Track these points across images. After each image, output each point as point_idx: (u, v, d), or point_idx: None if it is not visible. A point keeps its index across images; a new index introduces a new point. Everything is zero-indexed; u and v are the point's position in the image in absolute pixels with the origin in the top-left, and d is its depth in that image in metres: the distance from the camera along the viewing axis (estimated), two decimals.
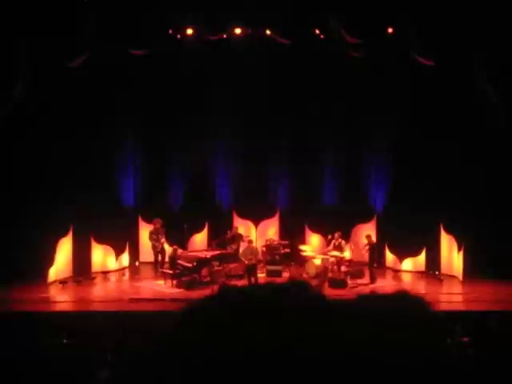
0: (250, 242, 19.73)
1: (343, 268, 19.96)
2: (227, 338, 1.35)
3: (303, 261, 20.47)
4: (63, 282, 19.20)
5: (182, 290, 18.49)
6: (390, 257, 21.11)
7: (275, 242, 21.16)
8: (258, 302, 1.42)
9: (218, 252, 20.09)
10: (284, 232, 22.22)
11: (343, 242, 19.92)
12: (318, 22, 18.98)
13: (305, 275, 19.85)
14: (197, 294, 17.81)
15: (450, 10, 17.41)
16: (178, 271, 19.02)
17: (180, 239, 20.76)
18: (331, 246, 19.91)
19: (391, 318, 1.40)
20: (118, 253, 21.01)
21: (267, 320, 1.35)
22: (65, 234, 19.75)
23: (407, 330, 1.39)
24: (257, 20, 19.07)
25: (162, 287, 18.97)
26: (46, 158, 19.27)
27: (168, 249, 20.55)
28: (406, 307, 1.47)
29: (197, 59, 20.85)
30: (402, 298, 1.53)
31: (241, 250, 20.10)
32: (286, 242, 21.24)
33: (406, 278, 20.40)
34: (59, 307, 17.75)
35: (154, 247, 20.68)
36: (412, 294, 1.56)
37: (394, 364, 1.33)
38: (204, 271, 19.33)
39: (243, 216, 22.27)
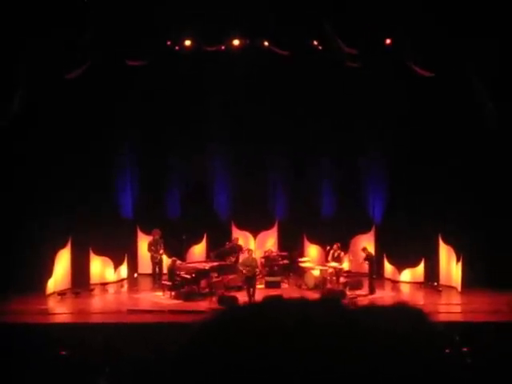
0: (250, 252, 19.69)
1: (342, 279, 19.96)
2: (249, 352, 1.36)
3: (302, 272, 20.46)
4: (62, 293, 19.16)
5: (180, 301, 18.48)
6: (388, 268, 21.08)
7: (274, 253, 21.16)
8: (285, 317, 1.43)
9: (217, 263, 20.08)
10: (283, 243, 22.21)
11: (342, 254, 19.92)
12: (315, 33, 19.03)
13: (303, 286, 19.86)
14: (195, 305, 17.84)
15: (447, 20, 17.47)
16: (176, 282, 19.02)
17: (179, 250, 20.76)
18: (330, 257, 19.91)
19: (390, 330, 1.41)
20: (117, 264, 20.98)
21: (293, 337, 1.37)
22: (63, 246, 19.73)
23: (406, 341, 1.40)
24: (255, 31, 19.13)
25: (161, 298, 18.96)
26: (45, 170, 19.26)
27: (167, 260, 20.55)
28: (404, 318, 1.48)
29: (195, 70, 20.89)
30: (401, 309, 1.54)
31: (240, 260, 20.09)
32: (285, 253, 21.24)
33: (405, 289, 20.38)
34: (58, 319, 17.72)
35: (152, 258, 20.68)
36: (411, 305, 1.57)
37: (393, 375, 1.34)
38: (203, 282, 19.32)
39: (242, 227, 22.27)
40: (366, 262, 19.61)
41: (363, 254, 19.79)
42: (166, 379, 1.42)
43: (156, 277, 20.54)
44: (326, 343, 1.35)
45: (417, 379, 1.33)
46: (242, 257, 20.16)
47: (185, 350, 1.43)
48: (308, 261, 21.14)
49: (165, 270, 20.17)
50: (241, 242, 21.29)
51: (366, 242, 20.74)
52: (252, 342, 1.35)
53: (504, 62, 17.60)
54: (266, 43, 19.76)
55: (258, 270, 19.53)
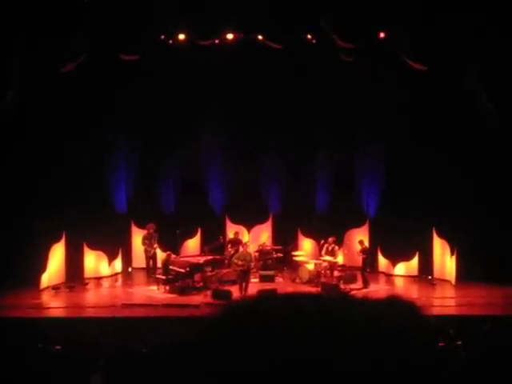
0: (245, 246, 19.68)
1: (336, 273, 19.98)
2: (266, 347, 1.36)
3: (296, 266, 20.47)
4: (56, 287, 19.13)
5: (175, 295, 18.48)
6: (382, 261, 21.11)
7: (268, 247, 21.17)
8: (302, 312, 1.43)
9: (211, 257, 20.09)
10: (277, 237, 22.21)
11: (336, 247, 19.92)
12: (310, 27, 19.01)
13: (297, 280, 19.88)
14: (190, 299, 17.86)
15: (442, 15, 17.47)
16: (170, 277, 19.02)
17: (173, 244, 20.75)
18: (324, 251, 19.92)
19: (382, 323, 1.41)
20: (111, 258, 20.95)
21: (290, 331, 1.37)
22: (57, 240, 19.69)
23: (398, 334, 1.40)
24: (249, 25, 19.09)
25: (155, 293, 18.96)
26: (38, 166, 19.24)
27: (161, 254, 20.55)
28: (397, 312, 1.48)
29: (188, 64, 20.85)
30: (394, 303, 1.54)
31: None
32: (279, 247, 21.24)
33: (399, 283, 20.41)
34: (52, 313, 17.70)
35: (146, 252, 20.67)
36: (404, 299, 1.57)
37: (385, 367, 1.33)
38: (197, 276, 19.32)
39: (236, 221, 22.26)
40: (361, 255, 19.61)
41: (359, 247, 19.81)
42: (167, 374, 1.42)
43: (150, 271, 20.53)
44: (322, 336, 1.35)
45: (409, 372, 1.33)
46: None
47: (191, 348, 1.43)
48: (302, 255, 21.15)
49: (159, 264, 20.18)
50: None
51: (360, 236, 20.76)
52: (254, 338, 1.35)
53: (503, 58, 17.61)
54: (260, 37, 19.72)
55: (252, 264, 19.51)
